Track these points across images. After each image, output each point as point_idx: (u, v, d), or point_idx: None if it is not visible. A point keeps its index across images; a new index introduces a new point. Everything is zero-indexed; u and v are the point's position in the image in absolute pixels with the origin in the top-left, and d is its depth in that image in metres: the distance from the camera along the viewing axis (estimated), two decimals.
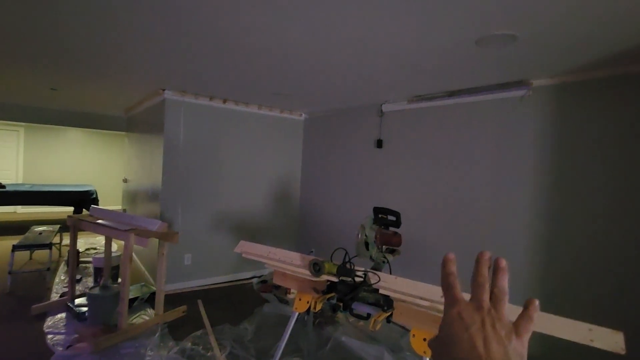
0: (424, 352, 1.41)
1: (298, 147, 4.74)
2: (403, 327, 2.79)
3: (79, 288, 3.50)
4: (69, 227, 3.08)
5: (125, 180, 5.66)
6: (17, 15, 1.83)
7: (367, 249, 2.11)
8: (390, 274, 1.72)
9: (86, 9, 1.70)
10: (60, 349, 2.43)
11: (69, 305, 3.00)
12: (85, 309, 2.87)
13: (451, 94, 2.94)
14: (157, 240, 2.93)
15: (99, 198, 6.85)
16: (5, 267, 3.90)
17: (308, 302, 1.78)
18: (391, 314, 1.53)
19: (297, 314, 1.86)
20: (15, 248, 3.68)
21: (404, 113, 3.39)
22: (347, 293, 1.64)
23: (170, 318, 2.99)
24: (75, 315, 2.88)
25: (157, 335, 2.67)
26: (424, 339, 1.40)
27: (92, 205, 3.55)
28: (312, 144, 4.58)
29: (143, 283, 3.56)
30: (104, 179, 8.64)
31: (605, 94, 2.15)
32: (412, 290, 1.55)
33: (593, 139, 2.19)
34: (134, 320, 2.90)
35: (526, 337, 0.36)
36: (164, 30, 1.94)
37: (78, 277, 3.80)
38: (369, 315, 1.63)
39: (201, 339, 2.66)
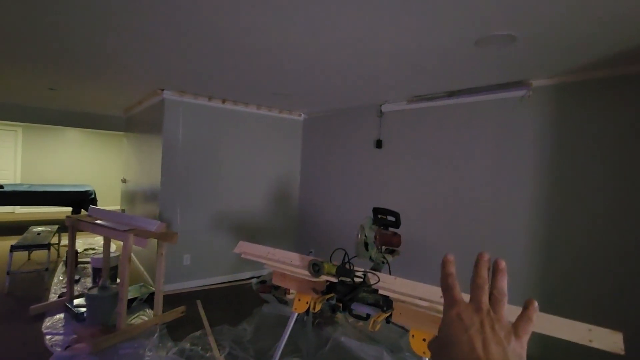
0: (424, 353, 1.40)
1: (297, 147, 4.73)
2: (402, 328, 2.79)
3: (77, 288, 3.49)
4: (67, 227, 3.08)
5: (124, 181, 5.65)
6: (17, 15, 1.82)
7: (367, 249, 2.11)
8: (390, 274, 1.72)
9: (85, 9, 1.70)
10: (59, 349, 2.43)
11: (67, 306, 2.99)
12: (83, 309, 2.86)
13: (451, 94, 2.95)
14: (156, 240, 2.92)
15: (98, 198, 6.83)
16: (3, 267, 3.89)
17: (307, 303, 1.77)
18: (390, 315, 1.53)
19: (296, 314, 1.86)
20: (13, 248, 3.67)
21: (404, 113, 3.39)
22: (346, 293, 1.64)
23: (169, 318, 2.98)
24: (73, 316, 2.87)
25: (155, 335, 2.66)
26: (424, 340, 1.40)
27: (90, 206, 3.54)
28: (312, 144, 4.58)
29: (142, 283, 3.55)
30: (102, 179, 8.63)
31: (604, 94, 2.15)
32: (411, 291, 1.55)
33: (593, 139, 2.20)
34: (133, 321, 2.89)
35: (525, 338, 0.36)
36: (163, 30, 1.93)
37: (76, 277, 3.79)
38: (368, 316, 1.63)
39: (200, 340, 2.66)
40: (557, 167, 2.34)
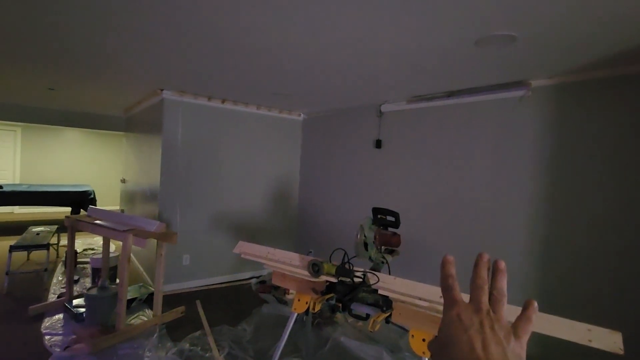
0: (423, 353, 1.41)
1: (297, 147, 4.73)
2: (402, 328, 2.79)
3: (76, 289, 3.49)
4: (66, 227, 3.07)
5: (123, 181, 5.64)
6: (17, 15, 1.82)
7: (366, 249, 2.11)
8: (389, 274, 1.72)
9: (85, 9, 1.70)
10: (58, 350, 2.42)
11: (66, 306, 2.99)
12: (83, 309, 2.86)
13: (450, 94, 2.95)
14: (156, 240, 2.92)
15: (97, 198, 6.83)
16: (2, 267, 3.88)
17: (307, 303, 1.77)
18: (390, 315, 1.53)
19: (295, 314, 1.86)
20: (12, 248, 3.67)
21: (403, 113, 3.39)
22: (346, 294, 1.64)
23: (169, 319, 2.98)
24: (73, 316, 2.87)
25: (155, 336, 2.66)
26: (423, 340, 1.40)
27: (90, 206, 3.54)
28: (311, 144, 4.58)
29: (141, 284, 3.54)
30: (101, 179, 8.62)
31: (604, 94, 2.15)
32: (411, 291, 1.55)
33: (592, 139, 2.20)
34: (132, 321, 2.89)
35: (525, 339, 0.36)
36: (163, 30, 1.93)
37: (76, 277, 3.78)
38: (368, 316, 1.63)
39: (199, 340, 2.65)
40: (556, 167, 2.35)
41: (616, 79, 2.10)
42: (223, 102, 3.96)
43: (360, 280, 1.67)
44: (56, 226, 4.81)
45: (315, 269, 1.75)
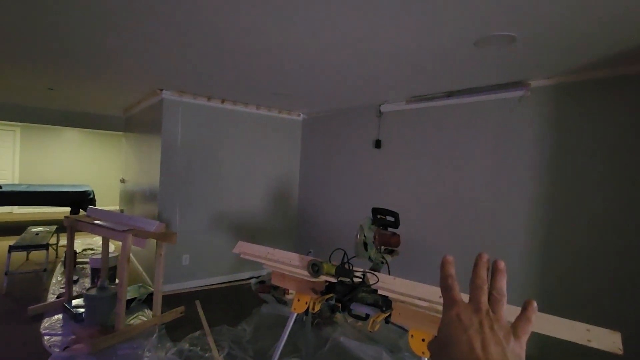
0: (423, 353, 1.41)
1: (296, 147, 4.73)
2: (401, 328, 2.79)
3: (76, 289, 3.48)
4: (66, 227, 3.07)
5: (122, 181, 5.64)
6: (16, 15, 1.82)
7: (366, 249, 2.11)
8: (389, 274, 1.72)
9: (85, 8, 1.70)
10: (57, 350, 2.42)
11: (66, 306, 2.98)
12: (82, 310, 2.85)
13: (450, 95, 2.95)
14: (155, 240, 2.91)
15: (96, 198, 6.82)
16: (1, 268, 3.87)
17: (306, 303, 1.77)
18: (390, 315, 1.53)
19: (295, 314, 1.86)
20: (11, 249, 3.66)
21: (403, 113, 3.39)
22: (345, 294, 1.64)
23: (168, 319, 2.98)
24: (72, 317, 2.87)
25: (154, 336, 2.66)
26: (423, 340, 1.40)
27: (89, 206, 3.53)
28: (311, 144, 4.58)
29: (141, 284, 3.54)
30: (101, 179, 8.61)
31: (603, 95, 2.16)
32: (410, 291, 1.55)
33: (591, 139, 2.20)
34: (132, 321, 2.88)
35: (524, 339, 0.36)
36: (162, 30, 1.93)
37: (75, 278, 3.78)
38: (367, 316, 1.63)
39: (199, 340, 2.65)
40: (556, 167, 2.35)
41: (615, 79, 2.11)
42: (222, 102, 3.96)
43: (360, 280, 1.67)
44: (55, 226, 4.80)
45: (314, 269, 1.75)
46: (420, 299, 1.50)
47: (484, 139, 2.75)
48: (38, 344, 2.50)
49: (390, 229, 2.16)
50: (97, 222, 2.90)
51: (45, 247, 3.89)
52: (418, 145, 3.24)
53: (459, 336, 0.36)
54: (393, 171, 3.46)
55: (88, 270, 3.85)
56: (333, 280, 1.73)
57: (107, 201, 8.51)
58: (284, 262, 1.95)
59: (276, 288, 3.65)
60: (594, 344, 1.16)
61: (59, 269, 4.15)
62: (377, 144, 3.59)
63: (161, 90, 3.55)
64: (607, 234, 2.12)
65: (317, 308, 1.73)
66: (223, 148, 4.05)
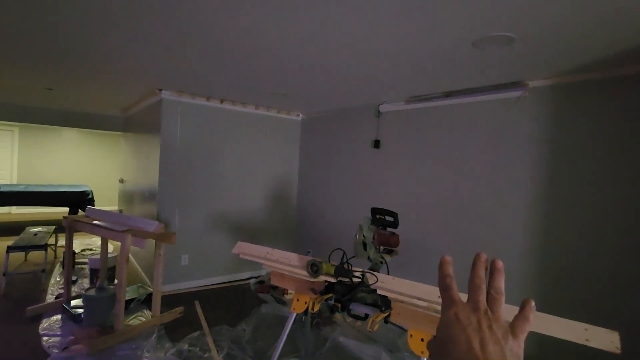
0: (422, 352, 1.41)
1: (295, 148, 4.74)
2: (401, 328, 2.79)
3: (74, 289, 3.48)
4: (64, 228, 3.06)
5: (121, 181, 5.63)
6: (15, 15, 1.82)
7: (365, 249, 2.11)
8: (388, 274, 1.73)
9: (83, 8, 1.69)
10: (56, 351, 2.41)
11: (64, 307, 2.98)
12: (81, 310, 2.85)
13: (448, 95, 2.96)
14: (154, 241, 2.91)
15: (95, 198, 6.80)
16: (0, 268, 3.86)
17: (306, 303, 1.78)
18: (389, 315, 1.54)
19: (294, 314, 1.86)
20: (10, 249, 3.65)
21: (402, 113, 3.40)
22: (345, 294, 1.65)
23: (167, 319, 2.97)
24: (71, 317, 2.86)
25: (153, 336, 2.66)
26: (422, 339, 1.41)
27: (88, 206, 3.53)
28: (310, 144, 4.58)
29: (140, 284, 3.54)
30: (100, 179, 8.60)
31: (600, 95, 2.17)
32: (409, 291, 1.55)
33: (588, 139, 2.21)
34: (131, 322, 2.88)
35: (522, 338, 0.36)
36: (161, 30, 1.93)
37: (74, 278, 3.77)
38: (366, 316, 1.63)
39: (198, 340, 2.65)
40: (553, 167, 2.36)
41: (612, 80, 2.12)
42: (222, 102, 3.95)
43: (359, 280, 1.68)
44: (54, 226, 4.79)
45: (314, 269, 1.76)
46: (419, 298, 1.50)
47: (482, 139, 2.75)
48: (37, 345, 2.49)
49: (389, 229, 2.16)
50: (95, 222, 2.89)
51: (44, 247, 3.88)
52: (417, 145, 3.25)
53: (458, 335, 0.36)
54: (392, 171, 3.46)
55: (87, 271, 3.85)
56: (332, 280, 1.73)
57: (106, 201, 8.50)
58: (283, 262, 1.96)
59: (275, 288, 3.65)
60: (592, 344, 1.16)
61: (58, 269, 4.14)
62: (376, 144, 3.59)
63: (160, 90, 3.55)
64: (604, 234, 2.13)
65: (316, 308, 1.73)
66: (222, 148, 4.05)
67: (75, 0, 1.62)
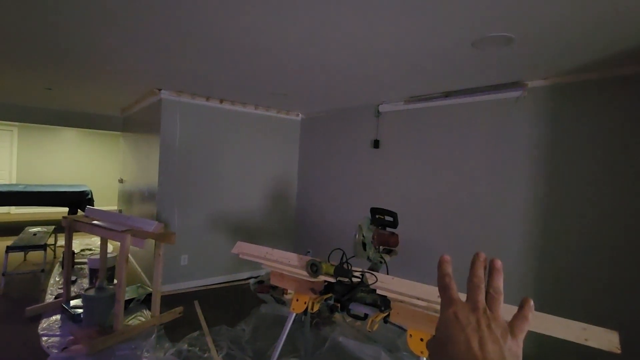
0: (421, 352, 1.41)
1: (295, 148, 4.74)
2: (400, 327, 2.79)
3: (74, 289, 3.47)
4: (63, 228, 3.06)
5: (121, 181, 5.62)
6: (14, 14, 1.81)
7: (365, 249, 2.11)
8: (388, 274, 1.73)
9: (84, 8, 1.69)
10: (55, 351, 2.41)
11: (64, 307, 2.97)
12: (80, 310, 2.84)
13: (448, 95, 2.96)
14: (154, 240, 2.91)
15: (94, 198, 6.80)
16: None
17: (305, 303, 1.78)
18: (388, 314, 1.54)
19: (294, 314, 1.86)
20: (9, 249, 3.65)
21: (401, 113, 3.40)
22: (344, 293, 1.65)
23: (167, 319, 2.97)
24: (70, 317, 2.86)
25: (153, 336, 2.65)
26: (421, 339, 1.41)
27: (87, 206, 3.52)
28: (309, 144, 4.58)
29: (139, 284, 3.53)
30: (99, 179, 8.59)
31: (599, 95, 2.17)
32: (409, 291, 1.55)
33: (586, 139, 2.22)
34: (130, 322, 2.88)
35: (521, 337, 0.36)
36: (161, 30, 1.93)
37: (73, 278, 3.77)
38: (366, 316, 1.64)
39: (198, 340, 2.65)
40: (552, 167, 2.36)
41: (611, 80, 2.12)
42: (221, 102, 3.95)
43: (359, 280, 1.68)
44: (53, 226, 4.78)
45: (313, 269, 1.76)
46: (418, 298, 1.50)
47: (481, 139, 2.76)
48: (36, 345, 2.49)
49: (388, 229, 2.16)
50: (95, 222, 2.89)
51: (43, 247, 3.87)
52: (416, 145, 3.25)
53: (457, 335, 0.36)
54: (391, 171, 3.46)
55: (86, 271, 3.84)
56: (332, 280, 1.73)
57: (106, 201, 8.49)
58: (283, 262, 1.96)
59: (275, 288, 3.65)
60: (592, 343, 1.17)
61: (57, 269, 4.14)
62: (376, 144, 3.60)
63: (159, 90, 3.55)
64: (604, 234, 2.13)
65: (316, 308, 1.74)
66: (221, 148, 4.05)
67: (74, 0, 1.61)
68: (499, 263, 0.38)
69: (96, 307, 2.73)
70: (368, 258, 2.10)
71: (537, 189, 2.43)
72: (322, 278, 1.77)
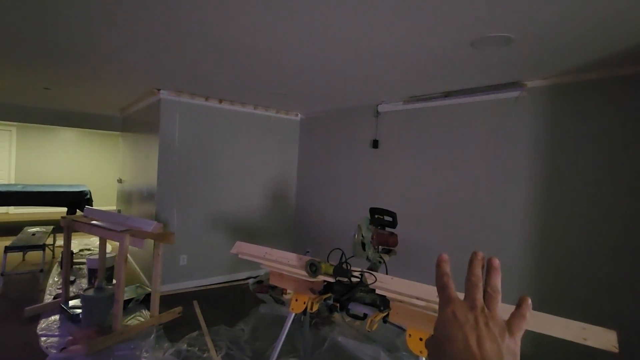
0: (420, 352, 1.41)
1: (294, 147, 4.74)
2: (399, 327, 2.80)
3: (73, 290, 3.47)
4: (62, 228, 3.05)
5: (119, 181, 5.61)
6: (13, 14, 1.81)
7: (364, 249, 2.11)
8: (387, 274, 1.73)
9: (84, 8, 1.69)
10: (54, 351, 2.41)
11: (63, 307, 2.97)
12: (79, 310, 2.84)
13: (447, 95, 2.96)
14: (153, 241, 2.91)
15: (93, 198, 6.78)
16: None
17: (305, 303, 1.78)
18: (387, 314, 1.54)
19: (293, 314, 1.86)
20: (7, 249, 3.64)
21: (400, 113, 3.41)
22: (343, 293, 1.65)
23: (166, 319, 2.97)
24: (69, 317, 2.85)
25: (152, 336, 2.65)
26: (420, 339, 1.41)
27: (86, 206, 3.52)
28: (308, 144, 4.58)
29: (138, 284, 3.53)
30: (98, 179, 8.57)
31: (597, 95, 2.18)
32: (408, 290, 1.56)
33: (586, 139, 2.22)
34: (129, 322, 2.87)
35: (519, 335, 0.36)
36: (160, 30, 1.93)
37: (72, 278, 3.76)
38: (365, 316, 1.64)
39: (197, 340, 2.65)
40: (551, 166, 2.37)
41: (609, 80, 2.13)
42: (220, 102, 3.95)
43: (358, 280, 1.68)
44: (52, 227, 4.77)
45: (312, 269, 1.76)
46: (417, 298, 1.50)
47: (480, 138, 2.76)
48: (35, 345, 2.48)
49: (388, 229, 2.16)
50: (94, 222, 2.89)
51: (42, 247, 3.87)
52: (415, 145, 3.25)
53: (455, 333, 0.36)
54: (390, 171, 3.47)
55: (85, 271, 3.84)
56: (331, 280, 1.73)
57: (104, 201, 8.47)
58: (282, 262, 1.96)
59: (274, 288, 3.64)
60: (590, 343, 1.17)
61: (56, 269, 4.13)
62: (375, 144, 3.60)
63: (159, 90, 3.55)
64: (602, 233, 2.14)
65: (315, 308, 1.74)
66: (221, 148, 4.05)
67: (74, 0, 1.61)
68: (496, 262, 0.39)
69: (95, 307, 2.73)
70: (367, 258, 2.11)
71: (536, 188, 2.43)
72: (321, 278, 1.77)
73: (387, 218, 2.16)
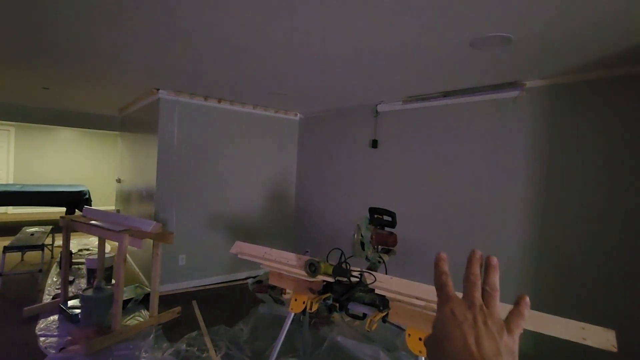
0: (420, 352, 1.41)
1: (293, 147, 4.73)
2: (398, 327, 2.80)
3: (71, 290, 3.46)
4: (61, 228, 3.05)
5: (118, 181, 5.61)
6: (12, 13, 1.81)
7: (363, 249, 2.11)
8: (386, 274, 1.73)
9: (83, 8, 1.69)
10: (53, 351, 2.40)
11: (61, 307, 2.96)
12: (78, 310, 2.83)
13: (446, 95, 2.97)
14: (152, 240, 2.90)
15: (92, 198, 6.77)
16: None
17: (304, 303, 1.78)
18: (387, 314, 1.54)
19: (293, 314, 1.86)
20: (6, 249, 3.63)
21: (399, 113, 3.41)
22: (343, 293, 1.65)
23: (165, 319, 2.97)
24: (68, 317, 2.85)
25: (151, 336, 2.65)
26: (420, 339, 1.41)
27: (85, 206, 3.51)
28: (308, 144, 4.58)
29: (137, 284, 3.53)
30: (97, 179, 8.56)
31: (596, 95, 2.18)
32: (407, 290, 1.56)
33: (584, 139, 2.22)
34: (128, 322, 2.87)
35: (517, 333, 0.36)
36: (159, 30, 1.93)
37: (71, 278, 3.75)
38: (364, 315, 1.64)
39: (196, 340, 2.65)
40: (549, 166, 2.37)
41: (608, 80, 2.13)
42: (219, 101, 3.95)
43: (357, 279, 1.68)
44: (51, 226, 4.76)
45: (312, 268, 1.76)
46: (417, 298, 1.50)
47: (479, 138, 2.76)
48: (34, 346, 2.48)
49: (387, 229, 2.16)
50: (93, 222, 2.88)
51: (41, 247, 3.86)
52: (414, 145, 3.25)
53: (453, 331, 0.36)
54: (390, 171, 3.47)
55: (84, 271, 3.83)
56: (330, 279, 1.73)
57: (103, 201, 8.46)
58: (281, 262, 1.96)
59: (273, 288, 3.64)
60: (589, 342, 1.17)
61: (55, 269, 4.12)
62: (374, 143, 3.60)
63: (157, 89, 3.54)
64: (601, 233, 2.14)
65: (314, 308, 1.74)
66: (220, 148, 4.04)
67: (74, 0, 1.61)
68: (494, 260, 0.39)
69: (94, 308, 2.72)
70: (366, 258, 2.11)
71: (534, 188, 2.44)
72: (320, 278, 1.77)
73: (386, 218, 2.17)
